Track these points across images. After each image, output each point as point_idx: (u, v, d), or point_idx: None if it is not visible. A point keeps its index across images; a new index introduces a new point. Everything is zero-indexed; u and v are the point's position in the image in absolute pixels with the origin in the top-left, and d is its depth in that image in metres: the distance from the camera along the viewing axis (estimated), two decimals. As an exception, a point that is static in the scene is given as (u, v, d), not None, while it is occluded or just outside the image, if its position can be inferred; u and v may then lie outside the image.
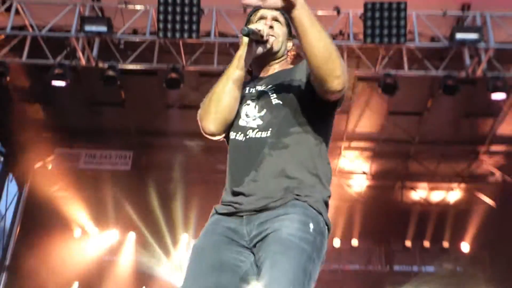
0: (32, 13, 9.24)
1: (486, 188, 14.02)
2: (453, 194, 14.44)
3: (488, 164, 13.26)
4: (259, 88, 2.43)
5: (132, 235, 14.91)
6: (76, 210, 14.08)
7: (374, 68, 9.34)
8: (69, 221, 14.32)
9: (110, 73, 9.22)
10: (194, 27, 8.76)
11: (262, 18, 2.51)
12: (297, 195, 2.11)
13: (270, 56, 2.49)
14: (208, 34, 9.14)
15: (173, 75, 9.17)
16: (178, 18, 8.72)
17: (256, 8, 2.50)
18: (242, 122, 2.35)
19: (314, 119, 2.30)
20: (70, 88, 9.54)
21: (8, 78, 9.15)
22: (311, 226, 2.04)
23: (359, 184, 14.14)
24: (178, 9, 8.69)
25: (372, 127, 12.44)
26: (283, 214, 2.07)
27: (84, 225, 14.71)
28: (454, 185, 14.17)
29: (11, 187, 13.50)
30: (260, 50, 2.40)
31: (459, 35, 8.72)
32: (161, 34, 8.83)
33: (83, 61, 9.26)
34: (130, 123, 12.53)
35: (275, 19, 2.50)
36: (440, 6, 9.13)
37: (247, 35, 2.30)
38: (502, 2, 9.16)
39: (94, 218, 14.51)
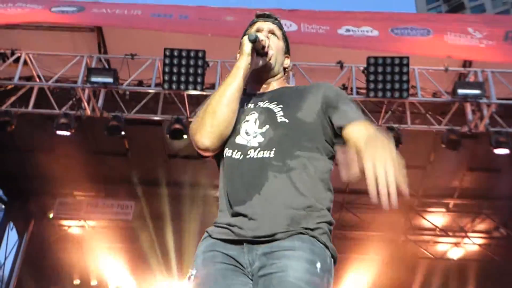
0: (39, 64, 9.37)
1: (490, 243, 13.89)
2: (457, 249, 14.29)
3: (491, 219, 13.17)
4: (260, 104, 2.25)
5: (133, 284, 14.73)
6: (77, 260, 13.95)
7: (377, 122, 9.39)
8: (69, 271, 14.16)
9: (114, 123, 9.29)
10: (199, 79, 8.84)
11: (258, 30, 2.39)
12: (305, 228, 1.93)
13: (266, 72, 2.36)
14: (212, 86, 9.23)
15: (177, 126, 9.22)
16: (183, 70, 8.82)
17: (253, 22, 2.45)
18: (241, 140, 2.15)
19: (321, 147, 2.13)
20: (74, 137, 9.60)
21: (13, 127, 9.21)
22: (318, 265, 1.88)
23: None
24: (183, 61, 8.80)
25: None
26: (289, 249, 1.88)
27: (84, 276, 14.53)
28: (458, 239, 14.05)
29: (11, 236, 13.44)
30: (259, 62, 2.28)
31: (461, 91, 8.79)
32: (166, 86, 8.92)
33: (88, 111, 9.34)
34: (132, 173, 12.54)
35: (272, 32, 2.39)
36: (442, 62, 9.25)
37: (254, 41, 2.18)
38: (502, 60, 9.29)
39: (94, 268, 14.35)
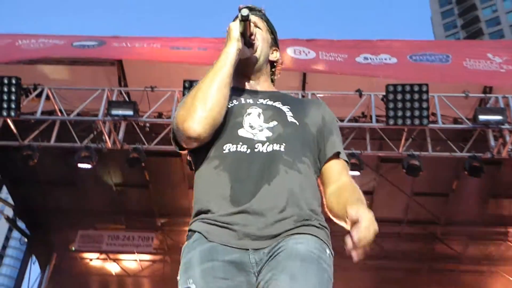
0: (61, 98, 9.50)
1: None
2: (482, 277, 13.98)
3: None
4: (261, 101, 2.11)
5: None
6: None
7: (398, 149, 9.32)
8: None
9: (135, 155, 9.35)
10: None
11: None
12: (312, 225, 1.86)
13: (252, 65, 2.19)
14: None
15: (197, 157, 9.23)
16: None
17: (235, 17, 2.18)
18: (245, 133, 1.97)
19: (314, 161, 2.05)
20: (95, 170, 9.68)
21: (35, 161, 9.32)
22: (327, 251, 1.84)
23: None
24: (202, 93, 8.84)
25: (397, 208, 12.29)
26: (298, 235, 1.80)
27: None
28: (483, 267, 13.76)
29: (34, 269, 13.49)
30: (246, 52, 2.10)
31: (483, 117, 8.71)
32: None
33: (109, 144, 9.42)
34: (153, 204, 12.58)
35: (255, 25, 2.16)
36: (462, 88, 9.19)
37: (246, 18, 1.97)
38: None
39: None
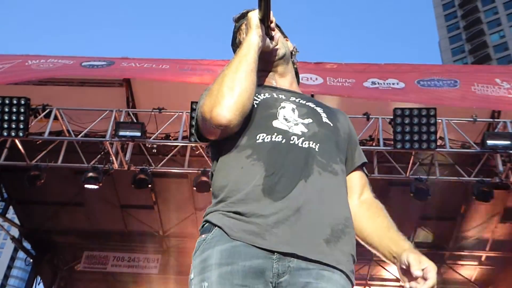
0: (69, 118, 9.54)
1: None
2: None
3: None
4: (293, 98, 2.02)
5: None
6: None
7: (405, 173, 9.28)
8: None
9: (142, 176, 9.36)
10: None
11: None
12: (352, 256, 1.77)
13: (277, 59, 2.12)
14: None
15: (204, 178, 9.24)
16: (210, 123, 8.87)
17: (244, 13, 2.16)
18: (280, 125, 1.87)
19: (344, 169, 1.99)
20: (102, 190, 9.68)
21: (42, 181, 9.33)
22: None
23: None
24: (210, 115, 8.85)
25: (405, 232, 12.19)
26: (327, 268, 1.67)
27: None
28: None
29: (39, 290, 13.43)
30: (267, 43, 2.00)
31: (491, 142, 8.66)
32: (193, 139, 8.98)
33: (116, 165, 9.43)
34: (159, 226, 12.55)
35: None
36: (470, 112, 9.17)
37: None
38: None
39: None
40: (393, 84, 9.42)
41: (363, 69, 10.09)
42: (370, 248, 1.92)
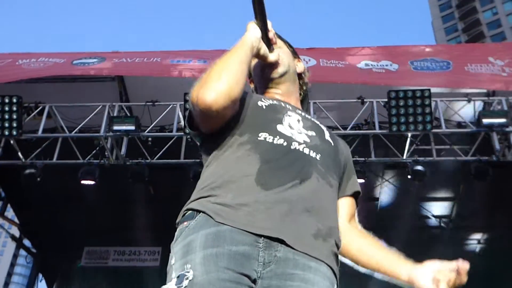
0: (63, 115, 9.48)
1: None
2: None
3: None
4: (298, 112, 2.01)
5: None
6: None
7: (402, 155, 9.26)
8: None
9: (138, 170, 9.33)
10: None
11: None
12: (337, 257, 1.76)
13: (280, 76, 2.08)
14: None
15: (201, 169, 9.19)
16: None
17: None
18: (284, 130, 1.86)
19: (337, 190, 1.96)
20: (99, 186, 9.65)
21: (38, 179, 9.29)
22: None
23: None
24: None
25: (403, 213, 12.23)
26: (315, 260, 1.65)
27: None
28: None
29: (41, 286, 13.47)
30: (265, 50, 1.96)
31: (486, 120, 8.64)
32: (187, 130, 8.91)
33: (111, 160, 9.40)
34: (158, 219, 12.52)
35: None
36: (464, 92, 9.14)
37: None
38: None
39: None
40: (386, 65, 9.39)
41: (356, 52, 10.03)
42: (355, 265, 1.94)
